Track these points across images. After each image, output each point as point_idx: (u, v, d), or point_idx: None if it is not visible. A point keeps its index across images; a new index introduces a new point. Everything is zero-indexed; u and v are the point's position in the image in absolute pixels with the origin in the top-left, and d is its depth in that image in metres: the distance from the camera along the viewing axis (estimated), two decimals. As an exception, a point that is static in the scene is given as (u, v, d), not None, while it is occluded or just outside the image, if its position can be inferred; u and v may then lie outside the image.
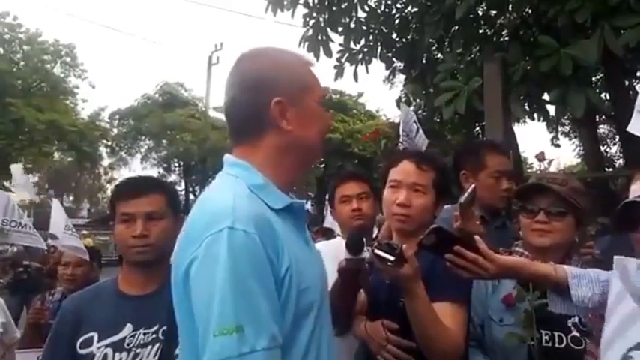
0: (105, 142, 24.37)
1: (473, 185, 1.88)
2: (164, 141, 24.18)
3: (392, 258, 1.40)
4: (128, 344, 1.54)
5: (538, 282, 1.47)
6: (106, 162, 26.46)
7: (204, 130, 22.20)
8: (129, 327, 1.55)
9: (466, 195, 1.78)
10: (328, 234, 4.24)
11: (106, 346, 1.53)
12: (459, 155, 2.55)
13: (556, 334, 1.68)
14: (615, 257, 1.69)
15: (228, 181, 1.17)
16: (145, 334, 1.55)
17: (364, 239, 1.56)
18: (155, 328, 1.56)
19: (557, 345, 1.67)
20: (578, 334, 1.66)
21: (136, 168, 25.75)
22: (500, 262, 1.39)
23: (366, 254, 1.53)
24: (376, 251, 1.43)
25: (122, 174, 27.68)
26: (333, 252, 1.78)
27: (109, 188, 30.31)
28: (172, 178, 25.53)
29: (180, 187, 24.73)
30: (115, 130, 24.80)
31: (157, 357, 1.53)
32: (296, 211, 1.21)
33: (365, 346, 1.74)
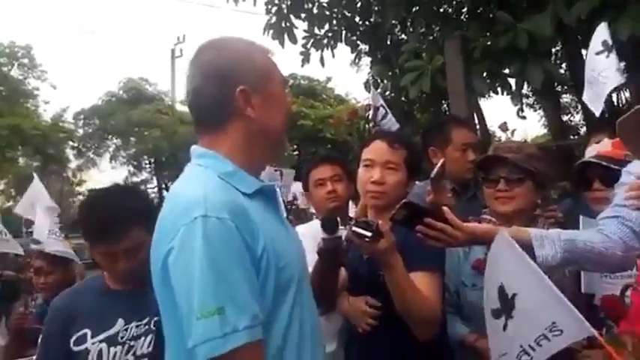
0: (71, 143, 23.75)
1: (442, 160, 1.97)
2: (132, 138, 23.69)
3: (369, 234, 1.48)
4: (122, 338, 1.57)
5: None
6: (73, 164, 25.82)
7: (173, 124, 21.85)
8: (120, 321, 1.59)
9: (436, 170, 1.87)
10: (303, 215, 4.30)
11: (101, 341, 1.56)
12: (426, 132, 2.65)
13: None
14: (581, 217, 1.81)
15: (197, 172, 1.21)
16: (137, 326, 1.59)
17: (338, 218, 1.64)
18: (147, 319, 1.60)
19: None
20: None
21: (106, 168, 25.24)
22: (468, 230, 1.48)
23: (342, 233, 1.60)
24: (354, 229, 1.51)
25: (91, 175, 27.06)
26: (311, 233, 1.85)
27: (80, 191, 29.62)
28: (143, 175, 25.14)
29: (153, 184, 24.37)
30: (81, 131, 24.17)
31: (150, 347, 1.57)
32: (267, 193, 1.26)
33: (349, 322, 1.83)
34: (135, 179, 24.79)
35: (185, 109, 23.86)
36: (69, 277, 3.02)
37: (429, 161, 2.46)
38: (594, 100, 2.38)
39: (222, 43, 1.27)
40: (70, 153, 24.34)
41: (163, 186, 23.91)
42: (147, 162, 25.07)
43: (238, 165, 1.22)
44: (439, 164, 1.91)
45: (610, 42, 2.36)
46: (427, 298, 1.60)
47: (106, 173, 25.01)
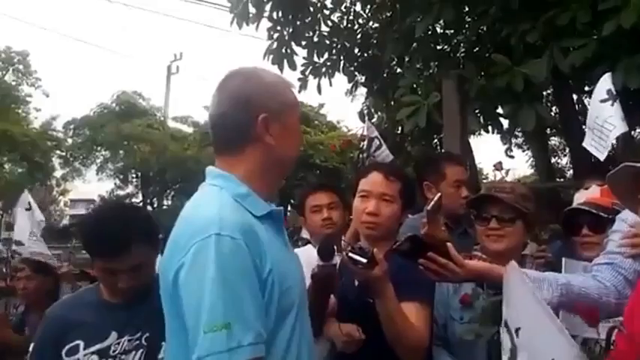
0: (58, 152, 23.54)
1: (439, 194, 2.02)
2: (121, 151, 23.57)
3: (364, 260, 1.52)
4: (113, 351, 1.58)
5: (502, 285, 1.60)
6: (58, 173, 25.53)
7: (163, 140, 21.81)
8: (114, 335, 1.59)
9: (432, 203, 1.91)
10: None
11: (92, 353, 1.57)
12: (421, 167, 2.71)
13: None
14: (564, 259, 1.85)
15: (212, 192, 1.26)
16: (129, 340, 1.60)
17: (334, 247, 1.67)
18: (139, 334, 1.61)
19: None
20: None
21: (92, 179, 24.99)
22: (469, 267, 1.53)
23: (337, 260, 1.63)
24: (350, 254, 1.55)
25: (76, 185, 26.75)
26: (304, 258, 1.87)
27: (62, 200, 29.19)
28: (129, 189, 24.90)
29: (138, 199, 24.13)
30: (70, 140, 23.99)
31: None
32: (275, 216, 1.31)
33: (334, 347, 1.83)
34: (120, 192, 24.56)
35: (176, 125, 24.03)
36: (49, 285, 2.99)
37: (422, 195, 2.51)
38: (597, 146, 2.45)
39: (250, 72, 1.35)
40: (56, 162, 24.11)
41: (148, 201, 23.70)
42: (134, 176, 24.88)
43: (251, 188, 1.27)
44: (436, 198, 1.96)
45: (614, 91, 2.43)
46: (416, 328, 1.63)
47: (92, 184, 24.79)
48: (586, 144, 2.57)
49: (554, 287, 1.49)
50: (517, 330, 0.93)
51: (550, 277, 1.53)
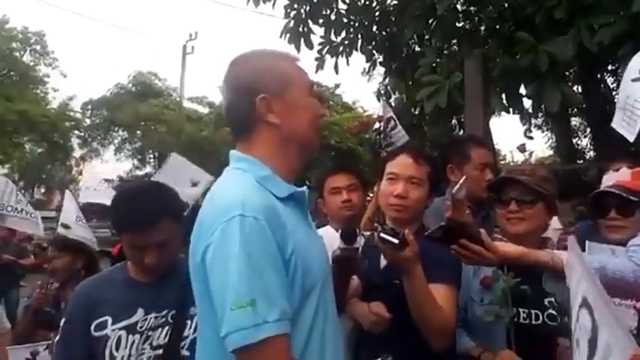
0: (77, 132, 23.85)
1: (464, 177, 1.99)
2: (138, 132, 23.79)
3: (396, 241, 1.52)
4: (140, 327, 1.62)
5: (536, 268, 1.60)
6: (77, 153, 25.91)
7: (179, 121, 21.93)
8: (140, 312, 1.63)
9: (457, 186, 1.88)
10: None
11: (120, 329, 1.61)
12: (445, 149, 2.66)
13: (533, 312, 1.79)
14: (587, 243, 1.82)
15: (236, 175, 1.28)
16: (155, 317, 1.64)
17: (357, 230, 1.66)
18: (165, 312, 1.64)
19: (534, 322, 1.79)
20: (553, 312, 1.77)
21: (110, 159, 25.32)
22: (502, 253, 1.53)
23: (360, 243, 1.62)
24: (381, 235, 1.54)
25: (94, 165, 27.13)
26: (325, 239, 1.86)
27: (81, 180, 29.66)
28: (147, 169, 25.22)
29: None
30: (88, 121, 24.26)
31: (167, 339, 1.62)
32: (298, 198, 1.32)
33: (359, 326, 1.83)
34: (138, 172, 24.88)
35: (192, 106, 24.09)
36: (77, 265, 3.06)
37: (445, 178, 2.47)
38: (627, 126, 2.37)
39: (248, 57, 1.36)
40: (74, 142, 24.45)
41: (166, 181, 23.90)
42: (151, 156, 25.14)
43: (273, 170, 1.28)
44: (461, 181, 1.92)
45: None
46: (443, 309, 1.63)
47: (110, 164, 25.12)
48: (615, 124, 2.48)
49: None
50: (591, 306, 0.90)
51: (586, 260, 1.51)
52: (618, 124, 2.45)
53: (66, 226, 3.35)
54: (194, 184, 4.30)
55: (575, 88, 7.61)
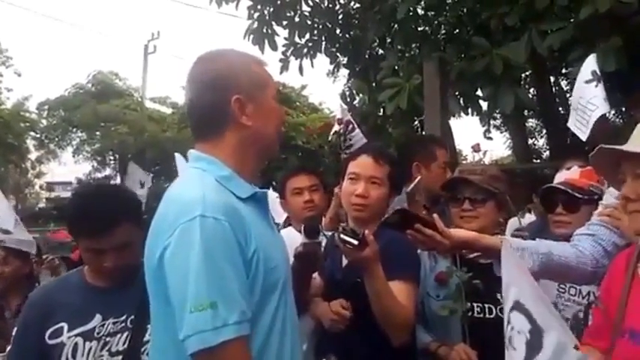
0: (32, 133, 22.98)
1: (419, 178, 2.07)
2: (98, 133, 23.11)
3: (356, 242, 1.56)
4: (98, 333, 1.57)
5: (487, 253, 1.65)
6: (33, 155, 24.97)
7: (141, 121, 21.44)
8: (98, 317, 1.59)
9: (412, 185, 1.96)
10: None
11: (76, 335, 1.56)
12: (410, 147, 2.76)
13: (486, 306, 1.88)
14: (539, 240, 1.91)
15: (195, 174, 1.27)
16: (114, 323, 1.59)
17: (320, 225, 1.70)
18: (124, 317, 1.61)
19: (487, 316, 1.88)
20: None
21: (68, 161, 24.53)
22: (455, 238, 1.58)
23: (322, 239, 1.66)
24: (341, 236, 1.58)
25: (51, 167, 26.24)
26: (286, 240, 1.90)
27: (37, 183, 28.57)
28: (107, 171, 24.52)
29: (116, 181, 23.81)
30: (44, 122, 23.42)
31: (125, 344, 1.58)
32: (259, 199, 1.33)
33: (321, 325, 1.87)
34: (98, 175, 24.19)
35: (154, 106, 23.60)
36: (26, 269, 2.97)
37: (410, 175, 2.55)
38: (580, 126, 2.48)
39: (219, 55, 1.34)
40: (30, 144, 23.56)
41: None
42: (111, 158, 24.49)
43: (234, 170, 1.28)
44: (416, 181, 2.00)
45: (598, 72, 2.45)
46: (403, 305, 1.68)
47: (68, 167, 24.33)
48: (570, 124, 2.60)
49: (536, 256, 1.56)
50: (528, 310, 0.96)
51: (531, 246, 1.60)
52: (572, 124, 2.56)
53: (6, 232, 3.22)
54: (142, 185, 4.59)
55: (530, 90, 7.90)
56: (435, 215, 1.60)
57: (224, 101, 1.26)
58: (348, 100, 7.49)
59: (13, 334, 1.65)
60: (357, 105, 7.22)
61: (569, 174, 2.20)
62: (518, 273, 1.06)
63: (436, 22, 5.35)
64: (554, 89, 8.40)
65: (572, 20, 3.85)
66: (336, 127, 3.67)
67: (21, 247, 2.98)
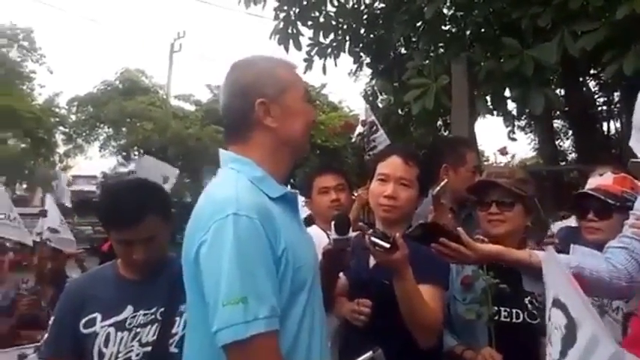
0: (62, 128, 23.52)
1: (445, 180, 2.05)
2: (124, 129, 23.51)
3: (387, 245, 1.56)
4: (129, 324, 1.63)
5: (515, 267, 1.64)
6: (61, 149, 25.53)
7: (165, 118, 21.73)
8: (129, 309, 1.65)
9: (438, 188, 1.94)
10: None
11: (109, 325, 1.62)
12: (439, 149, 2.73)
13: (514, 310, 1.86)
14: (572, 246, 1.88)
15: (230, 174, 1.32)
16: (144, 314, 1.65)
17: (350, 221, 1.69)
18: (154, 309, 1.66)
19: (514, 320, 1.86)
20: (533, 311, 1.84)
21: (94, 155, 25.01)
22: (481, 251, 1.57)
23: (352, 235, 1.65)
24: (372, 239, 1.58)
25: (77, 161, 26.78)
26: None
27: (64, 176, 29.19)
28: (131, 166, 24.91)
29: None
30: (73, 117, 23.93)
31: (155, 336, 1.63)
32: (290, 199, 1.37)
33: (347, 324, 1.87)
34: (122, 169, 24.59)
35: (178, 103, 23.91)
36: (64, 264, 3.11)
37: (439, 177, 2.52)
38: None
39: (248, 62, 1.41)
40: (59, 138, 24.12)
41: (151, 179, 23.64)
42: (136, 153, 24.87)
43: (266, 171, 1.33)
44: (442, 183, 1.98)
45: None
46: (432, 309, 1.68)
47: (93, 161, 24.82)
48: (632, 143, 2.52)
49: (567, 271, 1.53)
50: (565, 304, 0.95)
51: (563, 261, 1.56)
52: (634, 143, 2.48)
53: (54, 230, 3.36)
54: (165, 180, 4.59)
55: (557, 91, 7.75)
56: (459, 229, 1.59)
57: (249, 105, 1.32)
58: (371, 99, 7.47)
59: (50, 322, 1.73)
60: (379, 105, 7.19)
61: (601, 180, 2.15)
62: (555, 272, 1.05)
63: (463, 22, 5.28)
64: (582, 90, 8.22)
65: (604, 21, 3.76)
66: (359, 129, 3.66)
67: (63, 246, 3.13)
